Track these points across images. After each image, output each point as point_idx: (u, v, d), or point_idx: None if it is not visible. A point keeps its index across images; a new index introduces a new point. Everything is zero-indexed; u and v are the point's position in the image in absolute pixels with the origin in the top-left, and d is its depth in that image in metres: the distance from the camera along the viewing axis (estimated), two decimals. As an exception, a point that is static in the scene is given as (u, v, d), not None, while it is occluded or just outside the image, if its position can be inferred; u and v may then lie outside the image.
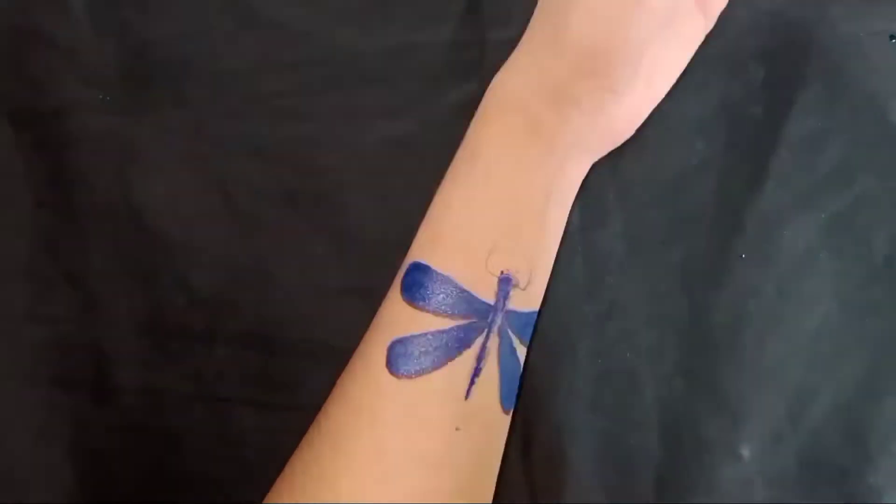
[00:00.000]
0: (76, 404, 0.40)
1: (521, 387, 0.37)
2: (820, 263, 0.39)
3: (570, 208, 0.38)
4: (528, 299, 0.36)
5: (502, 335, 0.35)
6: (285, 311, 0.40)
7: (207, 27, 0.40)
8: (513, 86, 0.36)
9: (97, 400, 0.40)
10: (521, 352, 0.36)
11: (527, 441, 0.38)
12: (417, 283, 0.34)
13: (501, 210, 0.35)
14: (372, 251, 0.39)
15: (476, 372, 0.34)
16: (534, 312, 0.37)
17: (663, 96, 0.38)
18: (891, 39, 0.40)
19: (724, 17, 0.40)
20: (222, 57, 0.40)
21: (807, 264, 0.39)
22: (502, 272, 0.34)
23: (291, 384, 0.37)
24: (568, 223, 0.39)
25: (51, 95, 0.40)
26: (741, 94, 0.40)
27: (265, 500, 0.35)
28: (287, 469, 0.35)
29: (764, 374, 0.39)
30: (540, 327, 0.39)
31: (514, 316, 0.35)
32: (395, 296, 0.35)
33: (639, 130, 0.39)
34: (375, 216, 0.38)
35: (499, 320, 0.34)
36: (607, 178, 0.39)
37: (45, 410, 0.40)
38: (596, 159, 0.38)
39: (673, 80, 0.38)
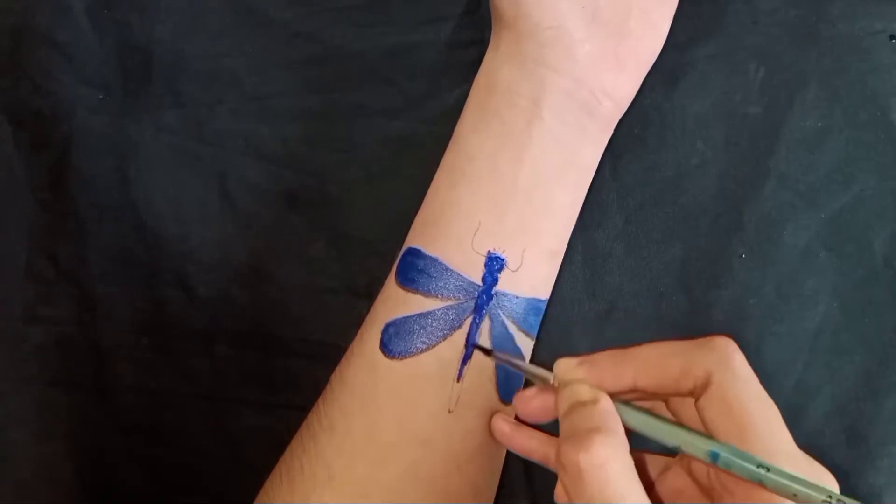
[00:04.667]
0: (76, 404, 0.40)
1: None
2: (820, 263, 0.39)
3: (581, 190, 0.37)
4: (520, 283, 0.35)
5: (493, 318, 0.35)
6: (284, 310, 0.40)
7: (207, 27, 0.40)
8: (485, 69, 0.36)
9: (97, 399, 0.40)
10: (523, 341, 0.36)
11: (527, 441, 0.38)
12: (409, 266, 0.35)
13: (485, 189, 0.35)
14: (372, 251, 0.39)
15: (466, 354, 0.34)
16: (534, 300, 0.36)
17: (636, 33, 0.35)
18: (891, 39, 0.40)
19: (724, 17, 0.40)
20: (222, 57, 0.40)
21: (807, 263, 0.39)
22: (489, 252, 0.34)
23: (291, 384, 0.37)
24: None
25: (51, 95, 0.40)
26: (741, 94, 0.40)
27: (266, 482, 0.35)
28: (287, 451, 0.35)
29: (764, 373, 0.39)
30: (541, 327, 0.39)
31: (505, 299, 0.35)
32: (390, 281, 0.36)
33: (639, 130, 0.39)
34: (375, 216, 0.38)
35: (487, 301, 0.35)
36: (607, 178, 0.39)
37: (45, 410, 0.40)
38: (605, 129, 0.36)
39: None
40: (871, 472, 0.39)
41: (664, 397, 0.30)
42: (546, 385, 0.31)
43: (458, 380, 0.34)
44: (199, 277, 0.40)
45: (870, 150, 0.39)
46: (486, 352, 0.33)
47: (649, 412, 0.29)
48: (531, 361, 0.37)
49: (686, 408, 0.30)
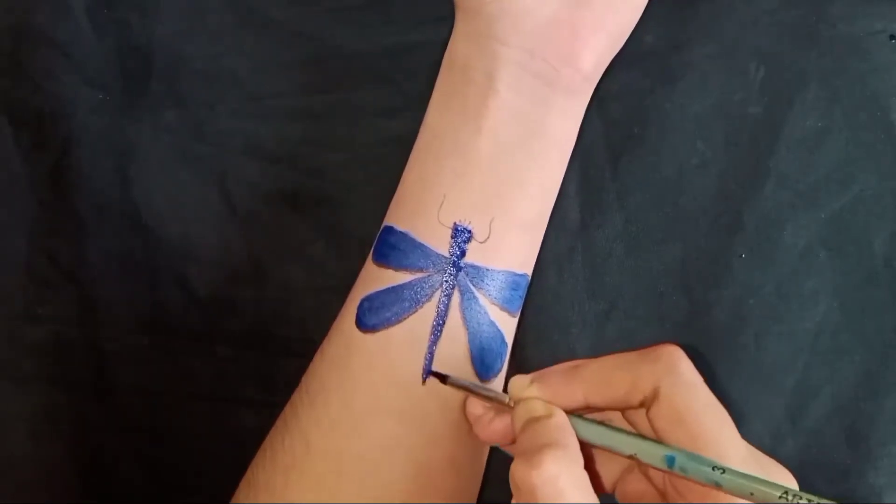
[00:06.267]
0: (76, 404, 0.40)
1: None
2: (820, 263, 0.39)
3: (555, 161, 0.37)
4: (492, 255, 0.35)
5: (463, 290, 0.35)
6: (285, 310, 0.40)
7: (207, 27, 0.40)
8: (448, 50, 0.37)
9: (97, 399, 0.40)
10: (499, 315, 0.36)
11: (527, 441, 0.38)
12: (382, 243, 0.36)
13: (448, 163, 0.35)
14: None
15: (436, 325, 0.34)
16: (509, 273, 0.36)
17: (599, 2, 0.35)
18: (891, 39, 0.40)
19: (724, 17, 0.40)
20: (222, 57, 0.40)
21: (806, 263, 0.39)
22: (454, 223, 0.35)
23: (291, 384, 0.37)
24: (568, 223, 0.39)
25: (51, 95, 0.40)
26: (741, 94, 0.40)
27: (253, 459, 0.36)
28: (272, 428, 0.36)
29: (764, 373, 0.39)
30: (540, 327, 0.39)
31: (475, 271, 0.35)
32: (368, 259, 0.36)
33: (639, 130, 0.39)
34: (375, 216, 0.38)
35: (455, 272, 0.35)
36: (607, 178, 0.39)
37: (44, 410, 0.40)
38: (571, 99, 0.36)
39: None
40: (871, 472, 0.39)
41: (617, 410, 0.30)
42: (503, 406, 0.31)
43: (428, 353, 0.34)
44: (199, 277, 0.40)
45: (870, 150, 0.39)
46: (442, 378, 0.33)
47: (603, 423, 0.30)
48: (517, 343, 0.37)
49: (642, 418, 0.30)
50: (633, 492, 0.31)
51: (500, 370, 0.36)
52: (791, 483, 0.28)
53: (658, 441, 0.28)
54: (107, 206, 0.40)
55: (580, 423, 0.29)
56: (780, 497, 0.26)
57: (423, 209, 0.35)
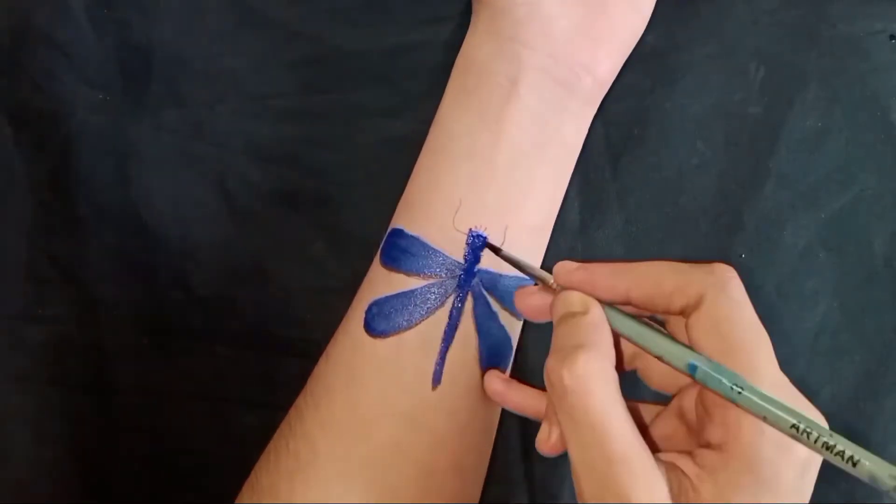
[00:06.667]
0: (76, 404, 0.40)
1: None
2: (820, 263, 0.39)
3: (566, 166, 0.37)
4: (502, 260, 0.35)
5: (476, 296, 0.35)
6: (285, 310, 0.40)
7: (207, 27, 0.40)
8: (464, 48, 0.37)
9: (97, 399, 0.40)
10: (507, 319, 0.36)
11: (527, 441, 0.38)
12: (392, 247, 0.36)
13: (465, 167, 0.35)
14: (372, 251, 0.39)
15: (449, 331, 0.34)
16: (518, 278, 0.36)
17: (615, 10, 0.35)
18: (891, 39, 0.40)
19: (724, 17, 0.40)
20: (222, 57, 0.40)
21: (806, 263, 0.39)
22: (470, 229, 0.35)
23: (291, 384, 0.37)
24: (568, 223, 0.39)
25: (51, 95, 0.40)
26: (741, 94, 0.40)
27: (257, 464, 0.36)
28: (276, 432, 0.36)
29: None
30: (540, 328, 0.39)
31: (488, 277, 0.35)
32: (375, 262, 0.36)
33: (639, 130, 0.39)
34: (375, 216, 0.39)
35: (469, 279, 0.35)
36: (607, 178, 0.39)
37: (44, 410, 0.40)
38: (587, 106, 0.36)
39: None
40: (871, 472, 0.39)
41: (655, 313, 0.30)
42: (546, 286, 0.31)
43: (440, 358, 0.34)
44: (199, 277, 0.40)
45: (870, 150, 0.39)
46: (495, 249, 0.33)
47: (638, 319, 0.29)
48: (519, 346, 0.37)
49: (679, 329, 0.30)
50: (661, 434, 0.31)
51: (505, 372, 0.36)
52: (820, 422, 0.27)
53: (689, 347, 0.28)
54: (107, 206, 0.40)
55: (615, 316, 0.29)
56: (791, 426, 0.26)
57: (435, 213, 0.35)
